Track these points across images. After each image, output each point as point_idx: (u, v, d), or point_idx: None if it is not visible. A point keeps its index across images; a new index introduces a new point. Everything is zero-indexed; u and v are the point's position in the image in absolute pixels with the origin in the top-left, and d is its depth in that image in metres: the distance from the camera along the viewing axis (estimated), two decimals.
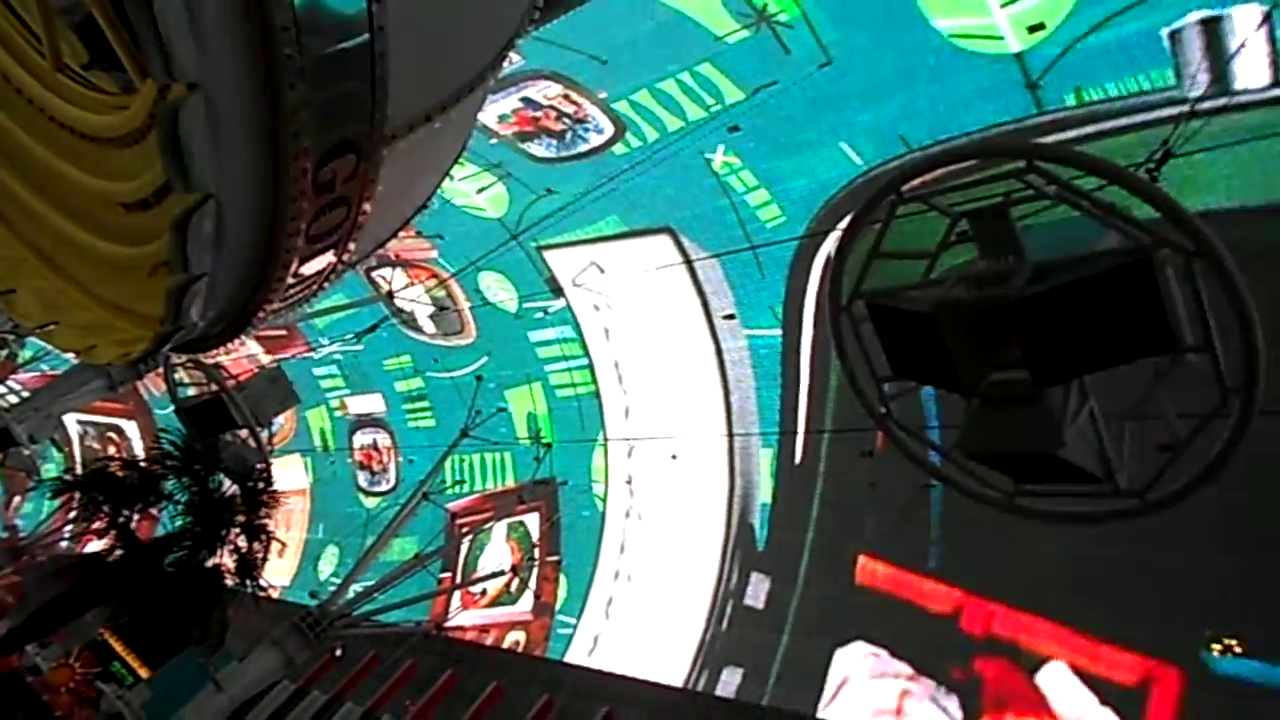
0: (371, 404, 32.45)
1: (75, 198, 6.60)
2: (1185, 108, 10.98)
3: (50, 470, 36.70)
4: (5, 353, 30.25)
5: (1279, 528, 12.11)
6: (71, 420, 42.60)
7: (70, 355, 13.99)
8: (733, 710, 17.47)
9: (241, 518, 18.98)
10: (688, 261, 20.31)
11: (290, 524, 33.06)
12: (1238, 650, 12.70)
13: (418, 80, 5.97)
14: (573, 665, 22.39)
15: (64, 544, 32.32)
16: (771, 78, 16.23)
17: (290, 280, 6.59)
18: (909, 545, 17.28)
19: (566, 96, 19.43)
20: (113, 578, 18.79)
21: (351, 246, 6.89)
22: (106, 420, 43.42)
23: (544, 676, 19.66)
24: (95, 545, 24.07)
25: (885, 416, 7.48)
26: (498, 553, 27.44)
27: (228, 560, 18.93)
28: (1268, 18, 11.70)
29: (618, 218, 21.08)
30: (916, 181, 6.64)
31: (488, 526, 27.24)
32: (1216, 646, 12.82)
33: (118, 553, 19.21)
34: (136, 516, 19.79)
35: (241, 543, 18.99)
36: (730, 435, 21.19)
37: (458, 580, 27.27)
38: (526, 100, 19.87)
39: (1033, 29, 13.54)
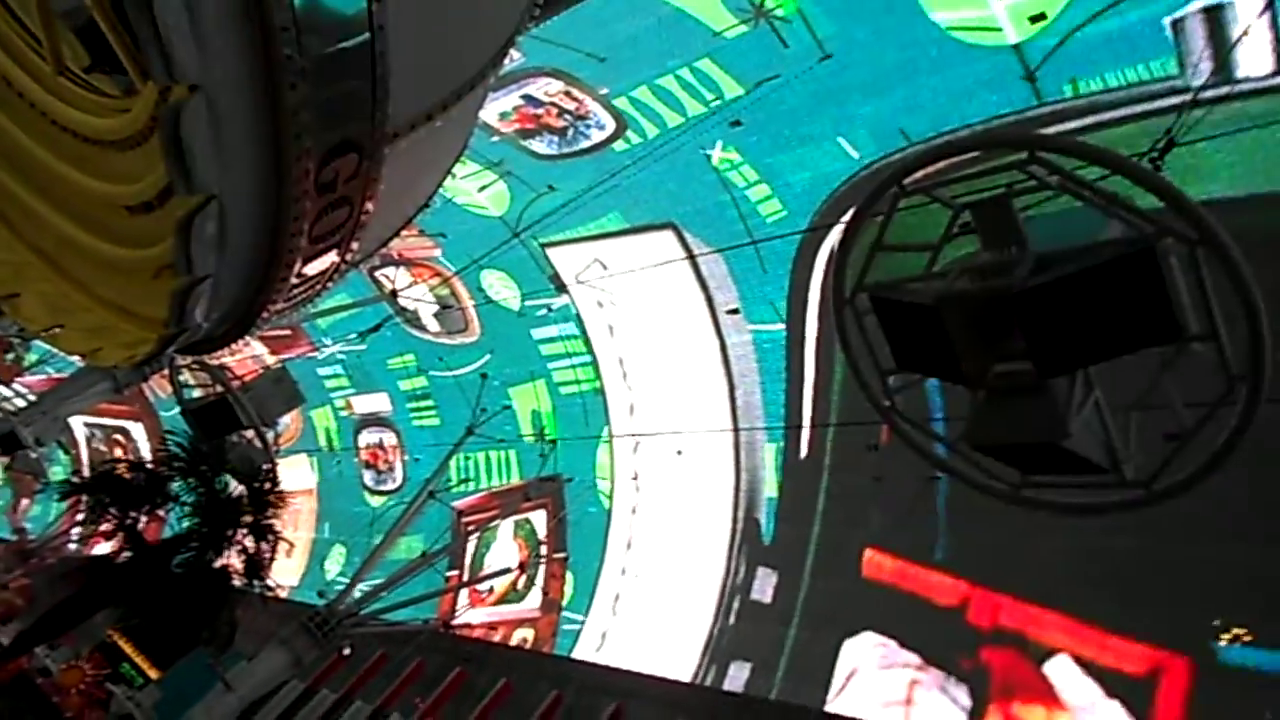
0: (377, 403, 32.48)
1: (78, 201, 6.62)
2: (1188, 96, 10.96)
3: (57, 473, 36.76)
4: (11, 356, 30.37)
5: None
6: (78, 423, 42.71)
7: (76, 358, 14.03)
8: (741, 704, 17.46)
9: (248, 518, 19.02)
10: (691, 257, 20.30)
11: (298, 524, 33.12)
12: (1247, 639, 12.68)
13: (419, 79, 5.97)
14: (581, 661, 22.41)
15: (72, 546, 32.38)
16: (770, 73, 16.21)
17: (294, 280, 6.60)
18: (915, 538, 17.27)
19: (568, 93, 19.41)
20: (121, 579, 18.84)
21: (354, 246, 6.90)
22: (113, 422, 43.52)
23: (552, 673, 19.68)
24: (103, 547, 24.15)
25: (890, 409, 7.46)
26: (504, 550, 27.47)
27: (235, 561, 18.98)
28: (1270, 5, 11.66)
29: (619, 214, 21.07)
30: (919, 174, 6.61)
31: (494, 524, 27.27)
32: (1225, 636, 12.80)
33: (126, 555, 19.26)
34: (144, 518, 19.82)
35: (249, 543, 19.02)
36: (735, 430, 21.18)
37: (465, 578, 27.30)
38: (528, 97, 19.86)
39: (1034, 19, 13.50)
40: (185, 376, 19.17)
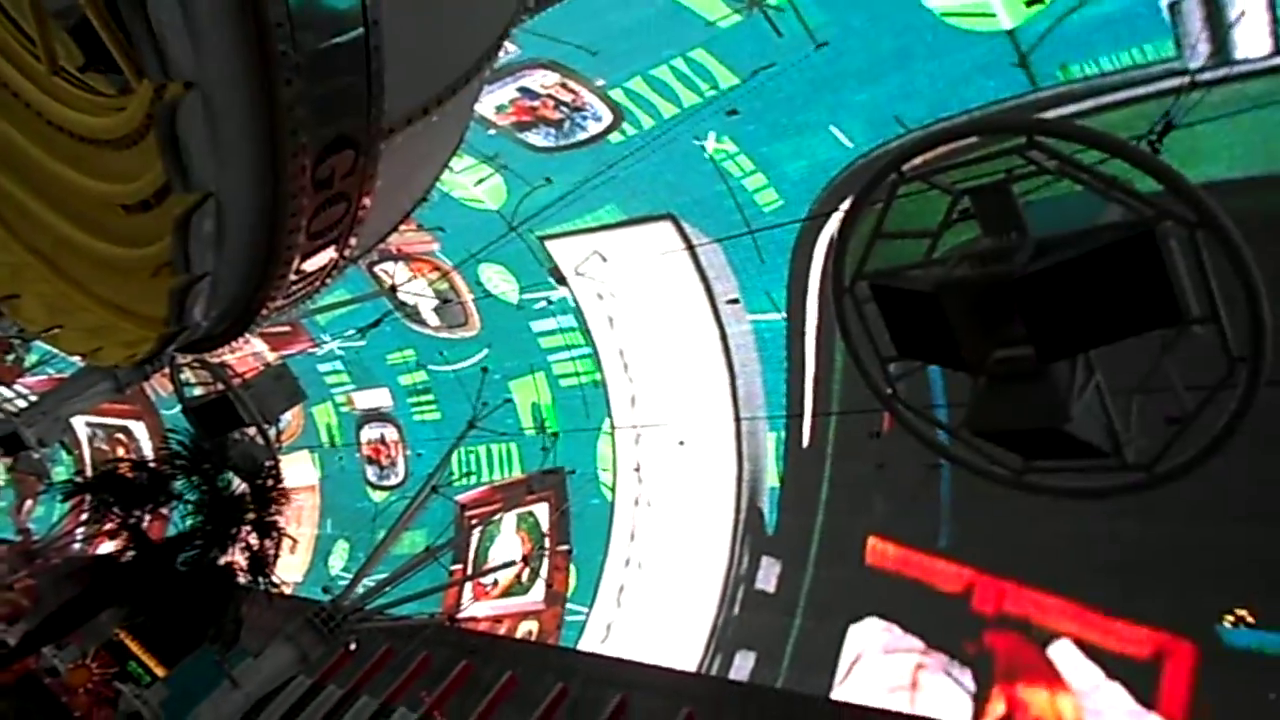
0: (378, 398, 32.51)
1: (75, 200, 6.61)
2: (1186, 79, 10.93)
3: (60, 473, 36.87)
4: (12, 357, 30.37)
5: None
6: (80, 423, 42.77)
7: (76, 358, 14.03)
8: (746, 693, 17.52)
9: (252, 515, 19.06)
10: (690, 248, 20.28)
11: (301, 520, 33.18)
12: (1250, 621, 12.69)
13: (414, 73, 5.96)
14: (586, 653, 22.48)
15: (76, 546, 32.46)
16: (764, 61, 16.18)
17: (293, 277, 6.60)
18: (919, 525, 17.28)
19: (564, 85, 19.37)
20: (126, 578, 18.89)
21: (352, 242, 6.89)
22: (114, 422, 43.58)
23: (558, 665, 19.74)
24: (107, 547, 24.20)
25: (891, 397, 7.46)
26: (508, 544, 27.52)
27: (240, 558, 19.02)
28: None
29: (616, 206, 21.05)
30: (917, 160, 6.60)
31: (497, 518, 27.32)
32: (1229, 618, 12.81)
33: (130, 554, 19.29)
34: (147, 517, 19.85)
35: (253, 540, 19.06)
36: (737, 420, 21.19)
37: (469, 572, 27.36)
38: (524, 90, 19.81)
39: (1030, 2, 13.45)
40: (186, 375, 19.18)
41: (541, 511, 26.44)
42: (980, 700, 15.89)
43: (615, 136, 19.66)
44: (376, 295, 26.10)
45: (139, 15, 4.44)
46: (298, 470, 34.31)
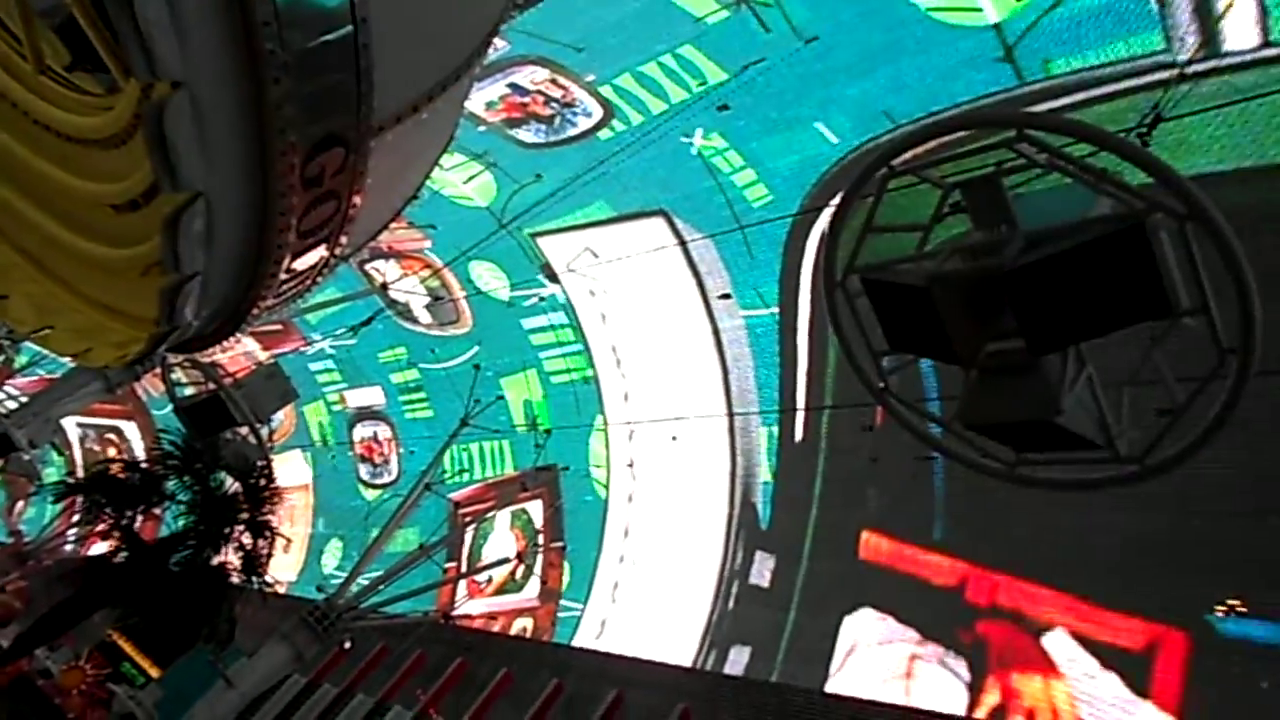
0: (371, 397, 32.46)
1: (63, 200, 6.58)
2: (1174, 72, 10.95)
3: (51, 474, 36.72)
4: (1, 358, 30.22)
5: (1277, 488, 12.15)
6: (71, 423, 42.59)
7: (66, 359, 13.97)
8: (741, 688, 17.53)
9: (245, 515, 19.01)
10: (682, 244, 20.28)
11: (294, 519, 33.12)
12: (1242, 610, 12.75)
13: (403, 71, 5.94)
14: (581, 649, 22.48)
15: (68, 548, 32.35)
16: (752, 57, 16.19)
17: (283, 276, 6.58)
18: (912, 519, 17.33)
19: (554, 81, 19.35)
20: (119, 579, 18.82)
21: (343, 240, 6.88)
22: (106, 422, 43.42)
23: (553, 661, 19.73)
24: (100, 548, 24.12)
25: (884, 391, 7.47)
26: (502, 541, 27.52)
27: (233, 558, 18.97)
28: None
29: (606, 202, 21.05)
30: (908, 154, 6.61)
31: (491, 515, 27.31)
32: (1221, 608, 12.87)
33: (123, 554, 19.24)
34: (140, 518, 19.79)
35: (246, 540, 19.02)
36: (730, 415, 21.20)
37: (463, 569, 27.34)
38: (514, 86, 19.79)
39: None
40: (177, 374, 19.12)
41: (535, 508, 26.44)
42: (975, 690, 15.95)
43: (604, 133, 19.65)
44: (368, 293, 26.07)
45: (126, 14, 4.43)
46: (291, 469, 34.25)
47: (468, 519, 27.65)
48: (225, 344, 8.35)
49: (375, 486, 33.50)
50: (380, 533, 19.55)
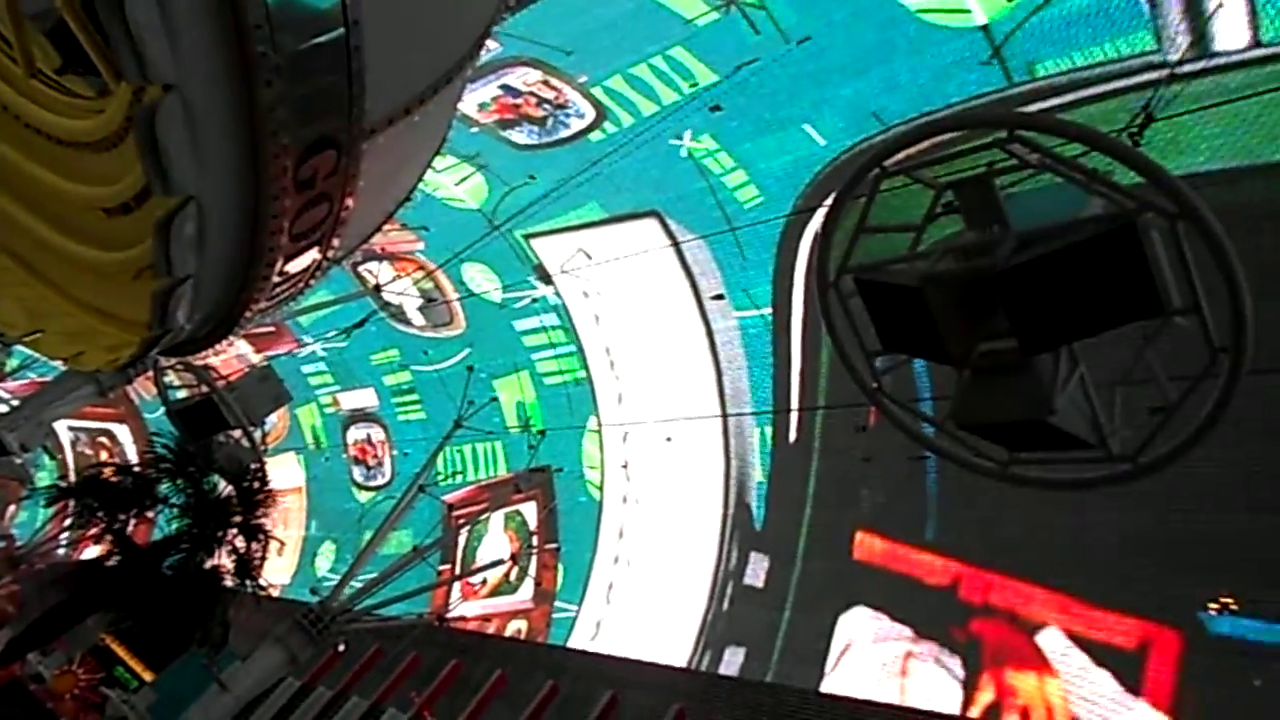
0: (364, 399, 32.42)
1: (54, 204, 6.56)
2: (1165, 72, 10.99)
3: (43, 478, 36.62)
4: None
5: (1269, 486, 12.19)
6: (62, 427, 42.45)
7: (58, 362, 13.92)
8: (736, 688, 17.54)
9: (238, 518, 18.95)
10: (675, 245, 20.29)
11: (288, 522, 33.05)
12: (1234, 608, 12.79)
13: (395, 73, 5.93)
14: (576, 650, 22.46)
15: (61, 551, 32.24)
16: (742, 59, 16.24)
17: (276, 279, 6.57)
18: (906, 519, 17.36)
19: (546, 82, 19.34)
20: (112, 583, 18.75)
21: (336, 242, 6.87)
22: (98, 425, 43.29)
23: (548, 663, 19.72)
24: (92, 551, 24.04)
25: (877, 391, 7.48)
26: (496, 543, 27.49)
27: (226, 561, 18.91)
28: None
29: (598, 204, 21.06)
30: (900, 155, 6.62)
31: (485, 517, 27.28)
32: (1213, 605, 12.91)
33: (115, 558, 19.17)
34: (133, 521, 19.72)
35: (239, 543, 18.96)
36: (724, 416, 21.22)
37: (457, 571, 27.32)
38: (506, 87, 19.78)
39: None
40: (170, 377, 19.05)
41: (529, 510, 26.43)
42: (970, 687, 15.99)
43: (596, 135, 19.66)
44: (361, 295, 26.01)
45: (116, 17, 4.40)
46: (284, 472, 34.18)
47: (462, 521, 27.62)
48: (218, 346, 8.33)
49: (369, 489, 33.45)
50: (374, 535, 19.51)
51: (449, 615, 22.20)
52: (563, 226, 22.15)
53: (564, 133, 20.19)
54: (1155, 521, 13.26)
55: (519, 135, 20.76)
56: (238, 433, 18.62)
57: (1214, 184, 12.30)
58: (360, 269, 26.64)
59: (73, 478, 35.18)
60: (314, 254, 6.82)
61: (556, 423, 24.49)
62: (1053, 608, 15.05)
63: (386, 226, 10.31)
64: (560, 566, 25.52)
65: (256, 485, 19.31)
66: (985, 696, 15.71)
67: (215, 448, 18.93)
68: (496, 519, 27.45)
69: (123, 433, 42.92)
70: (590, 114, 19.49)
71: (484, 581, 27.01)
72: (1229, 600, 12.80)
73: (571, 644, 23.60)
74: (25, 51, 6.24)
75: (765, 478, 20.74)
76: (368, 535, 20.93)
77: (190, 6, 4.52)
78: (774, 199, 18.25)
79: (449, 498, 26.48)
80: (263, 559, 19.40)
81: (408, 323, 28.15)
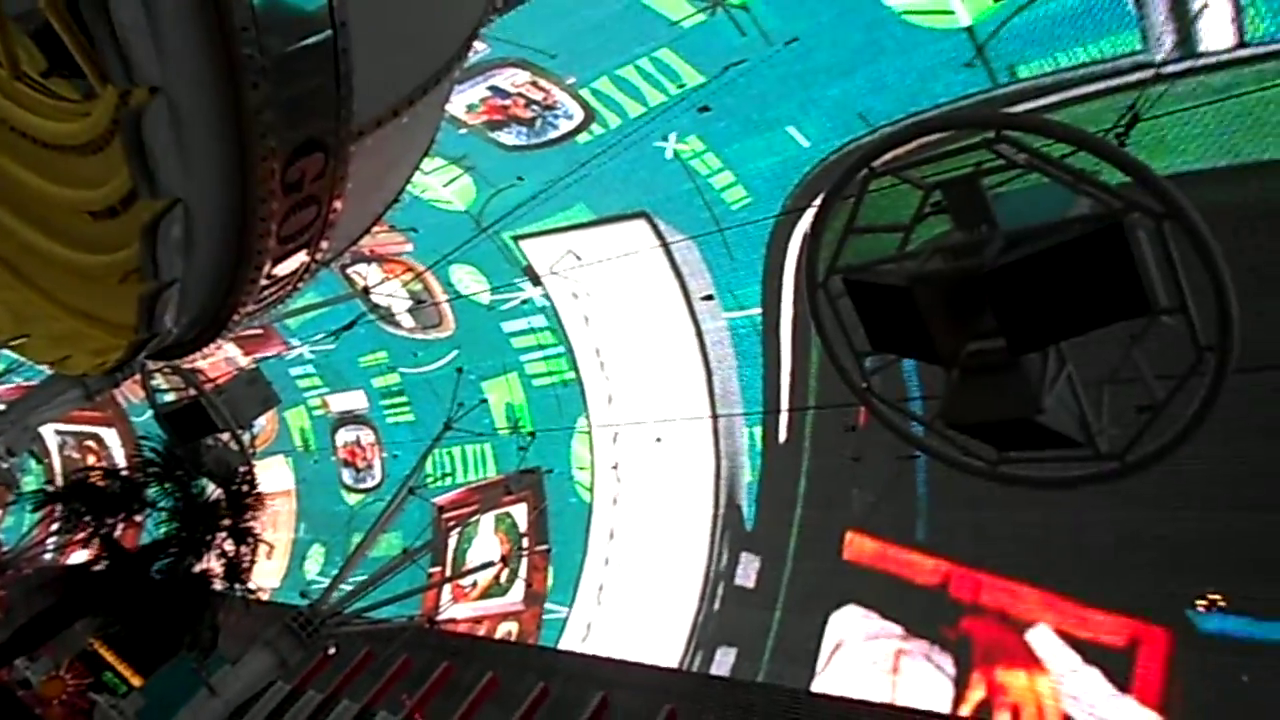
0: (353, 401, 32.34)
1: (39, 207, 6.52)
2: (1151, 72, 11.05)
3: (30, 483, 36.41)
4: None
5: (1250, 484, 12.27)
6: (49, 431, 42.22)
7: (44, 366, 13.85)
8: (727, 688, 17.56)
9: (227, 521, 18.89)
10: (665, 245, 20.30)
11: (277, 525, 32.94)
12: (1222, 605, 12.87)
13: (383, 75, 5.91)
14: (567, 652, 22.46)
15: (48, 556, 32.06)
16: (728, 60, 16.29)
17: (264, 282, 6.53)
18: (896, 518, 17.39)
19: (534, 83, 19.34)
20: (100, 588, 18.68)
21: (324, 245, 6.84)
22: (85, 429, 43.05)
23: (539, 665, 19.72)
24: (80, 556, 23.93)
25: (866, 391, 7.50)
26: (486, 545, 27.45)
27: (215, 565, 18.85)
28: None
29: (586, 205, 21.07)
30: (888, 155, 6.64)
31: (475, 519, 27.24)
32: (1201, 603, 12.98)
33: (103, 563, 19.09)
34: (120, 525, 19.64)
35: (228, 546, 18.90)
36: (714, 417, 21.23)
37: (447, 574, 27.27)
38: (494, 89, 19.76)
39: None
40: (157, 381, 18.97)
41: (519, 512, 26.39)
42: (961, 685, 16.04)
43: (584, 136, 19.67)
44: (349, 298, 25.96)
45: (102, 19, 4.38)
46: (273, 475, 34.06)
47: (451, 523, 27.58)
48: (206, 349, 8.29)
49: (359, 491, 33.37)
50: (364, 537, 19.47)
51: (439, 618, 22.17)
52: (552, 228, 22.14)
53: (553, 134, 20.18)
54: (1144, 520, 13.32)
55: (507, 136, 20.74)
56: (226, 436, 18.55)
57: (1200, 183, 12.37)
58: (349, 271, 26.58)
59: (60, 482, 34.95)
60: (302, 257, 6.79)
61: (545, 424, 24.47)
62: (1043, 606, 15.11)
63: (375, 228, 10.28)
64: (551, 568, 25.49)
65: (245, 488, 19.26)
66: (976, 694, 15.77)
67: (203, 451, 18.86)
68: (487, 521, 27.42)
69: (110, 436, 42.71)
70: (579, 115, 19.49)
71: (474, 584, 26.96)
72: (1217, 598, 12.88)
73: (562, 645, 23.58)
74: (9, 54, 6.21)
75: (755, 478, 20.75)
76: (357, 538, 20.86)
77: (176, 9, 4.50)
78: (762, 199, 18.28)
79: (439, 500, 26.45)
80: (252, 562, 19.35)
81: (396, 325, 28.09)
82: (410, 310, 27.24)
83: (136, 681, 24.50)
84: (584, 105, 19.24)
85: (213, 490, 19.21)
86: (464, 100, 19.84)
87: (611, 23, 16.89)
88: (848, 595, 18.12)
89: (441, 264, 23.37)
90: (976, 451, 6.94)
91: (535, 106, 19.81)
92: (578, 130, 19.76)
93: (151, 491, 19.52)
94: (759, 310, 19.57)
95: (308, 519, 35.47)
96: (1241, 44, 11.89)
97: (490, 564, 25.61)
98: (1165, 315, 5.55)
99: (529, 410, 25.65)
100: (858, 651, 17.69)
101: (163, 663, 20.71)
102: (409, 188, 9.47)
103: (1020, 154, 5.89)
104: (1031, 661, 15.14)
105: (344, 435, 33.57)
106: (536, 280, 23.48)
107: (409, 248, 25.11)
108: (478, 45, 8.35)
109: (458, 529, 27.69)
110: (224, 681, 16.60)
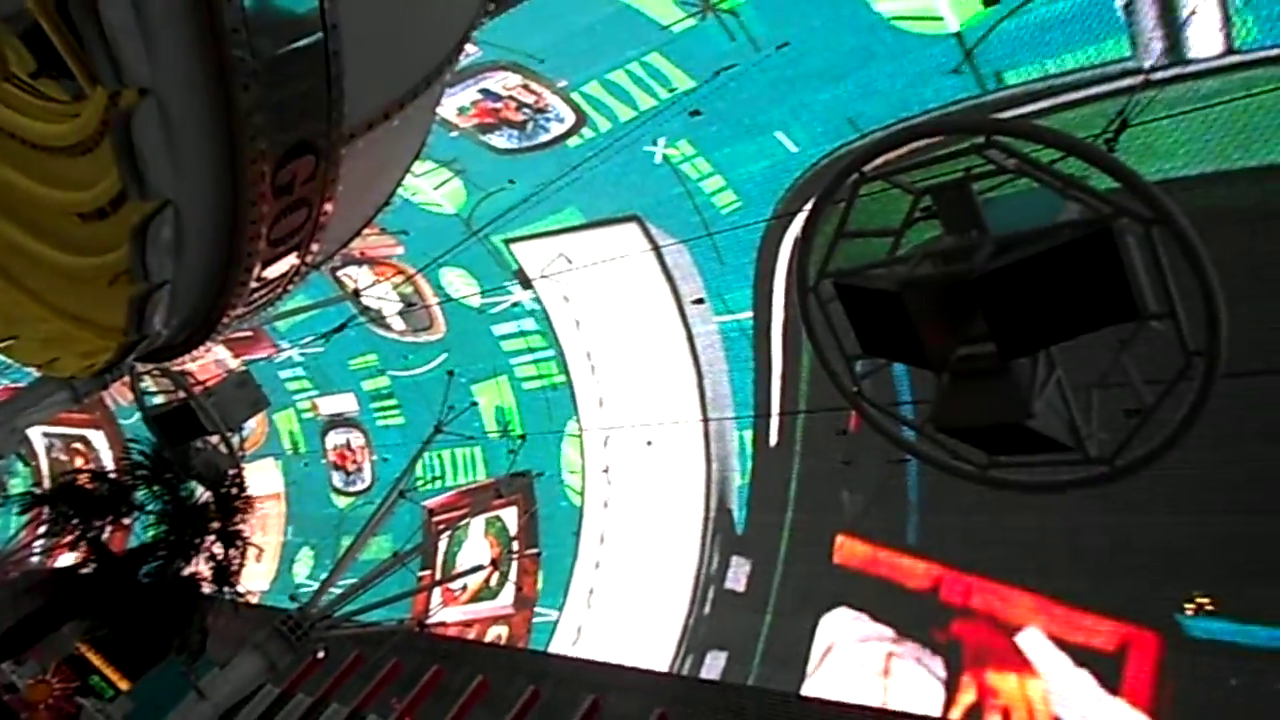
0: (343, 404, 32.25)
1: (28, 208, 6.49)
2: (1140, 78, 11.10)
3: (17, 485, 36.20)
4: None
5: (1243, 488, 12.32)
6: (37, 433, 41.96)
7: (32, 368, 13.77)
8: (718, 692, 17.56)
9: (216, 524, 18.79)
10: (656, 249, 20.31)
11: (266, 528, 32.82)
12: (1210, 608, 12.92)
13: (374, 77, 5.90)
14: (557, 655, 22.42)
15: (35, 559, 31.86)
16: (718, 65, 16.32)
17: (254, 284, 6.52)
18: (886, 522, 17.42)
19: (526, 87, 19.34)
20: (87, 591, 18.56)
21: (314, 248, 6.82)
22: (73, 431, 42.81)
23: (529, 668, 19.68)
24: (68, 559, 23.78)
25: (857, 395, 7.51)
26: (476, 548, 27.39)
27: (204, 568, 18.75)
28: None
29: (577, 209, 21.07)
30: (879, 160, 6.65)
31: (465, 523, 27.18)
32: (1190, 606, 13.03)
33: (91, 566, 18.97)
34: (108, 528, 19.53)
35: (217, 549, 18.80)
36: (705, 420, 21.23)
37: (437, 577, 27.20)
38: (486, 92, 19.75)
39: (988, 1, 13.61)
40: (146, 383, 18.88)
41: (509, 515, 26.35)
42: (951, 688, 16.06)
43: (574, 140, 19.68)
44: (340, 300, 25.89)
45: (91, 21, 4.37)
46: (262, 478, 33.94)
47: (441, 526, 27.50)
48: (195, 352, 8.26)
49: (348, 494, 33.27)
50: (354, 541, 19.39)
51: (429, 621, 22.11)
52: (544, 231, 22.13)
53: (544, 137, 20.19)
54: (1132, 524, 13.37)
55: (499, 139, 20.74)
56: (215, 438, 18.47)
57: (1188, 189, 12.43)
58: (339, 274, 26.52)
59: (47, 484, 34.78)
60: (292, 259, 6.77)
61: (535, 427, 24.44)
62: (1033, 610, 15.14)
63: (366, 231, 10.26)
64: (541, 571, 25.46)
65: (234, 491, 19.16)
66: (967, 697, 15.79)
67: (192, 454, 18.76)
68: (477, 524, 27.36)
69: (98, 439, 42.49)
70: (570, 118, 19.50)
71: (464, 587, 26.91)
72: (1205, 601, 12.93)
73: (553, 649, 23.55)
74: None
75: (746, 481, 20.77)
76: (347, 541, 20.78)
77: (166, 10, 4.48)
78: (752, 204, 18.32)
79: (429, 503, 26.37)
80: (241, 565, 19.25)
81: (387, 327, 28.04)
82: (401, 313, 27.19)
83: (124, 685, 24.35)
84: (575, 109, 19.24)
85: (202, 493, 19.11)
86: (455, 103, 19.83)
87: (602, 27, 16.92)
88: (839, 598, 18.13)
89: (432, 267, 23.34)
90: (967, 456, 6.95)
91: (526, 110, 19.81)
92: (569, 134, 19.76)
93: (140, 494, 19.40)
94: (750, 314, 19.59)
95: (297, 522, 35.34)
96: (1230, 50, 11.96)
97: (480, 567, 25.54)
98: (1154, 320, 5.57)
99: (519, 413, 25.62)
100: (849, 654, 17.70)
101: (151, 666, 20.59)
102: (400, 190, 9.45)
103: (1010, 159, 5.91)
104: (1022, 665, 15.17)
105: (334, 438, 33.48)
106: (528, 283, 23.46)
107: (400, 250, 25.07)
108: (469, 48, 8.33)
109: (448, 532, 27.61)
110: (213, 685, 16.52)
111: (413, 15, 6.39)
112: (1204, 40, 12.05)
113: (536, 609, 25.22)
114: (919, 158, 6.64)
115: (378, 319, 27.64)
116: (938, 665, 16.35)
